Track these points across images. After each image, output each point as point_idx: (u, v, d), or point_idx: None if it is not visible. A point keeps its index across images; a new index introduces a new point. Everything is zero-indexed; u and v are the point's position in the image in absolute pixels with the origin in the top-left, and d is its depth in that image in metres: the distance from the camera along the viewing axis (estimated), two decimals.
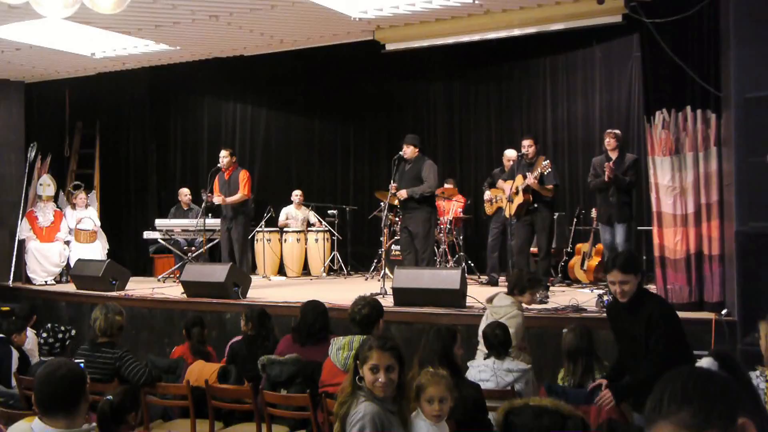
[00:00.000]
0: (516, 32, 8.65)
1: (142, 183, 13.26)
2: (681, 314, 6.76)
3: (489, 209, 10.38)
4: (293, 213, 12.47)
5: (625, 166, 8.46)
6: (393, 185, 9.14)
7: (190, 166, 13.68)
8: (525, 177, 8.50)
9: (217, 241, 10.91)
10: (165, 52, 9.99)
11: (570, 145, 11.94)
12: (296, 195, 12.47)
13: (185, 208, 12.18)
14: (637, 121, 10.62)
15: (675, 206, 7.16)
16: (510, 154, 9.87)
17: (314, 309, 5.62)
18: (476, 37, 8.87)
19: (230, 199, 10.20)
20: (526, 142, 8.77)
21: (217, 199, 10.21)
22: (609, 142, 8.62)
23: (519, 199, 8.56)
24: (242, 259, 10.24)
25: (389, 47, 9.24)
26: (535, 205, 8.56)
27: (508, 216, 8.67)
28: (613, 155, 8.56)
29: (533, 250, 9.09)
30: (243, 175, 10.36)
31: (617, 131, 8.81)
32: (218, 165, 10.45)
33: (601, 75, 11.58)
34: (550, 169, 8.40)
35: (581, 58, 11.85)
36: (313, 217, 12.46)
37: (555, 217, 10.00)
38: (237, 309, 7.85)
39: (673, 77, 7.11)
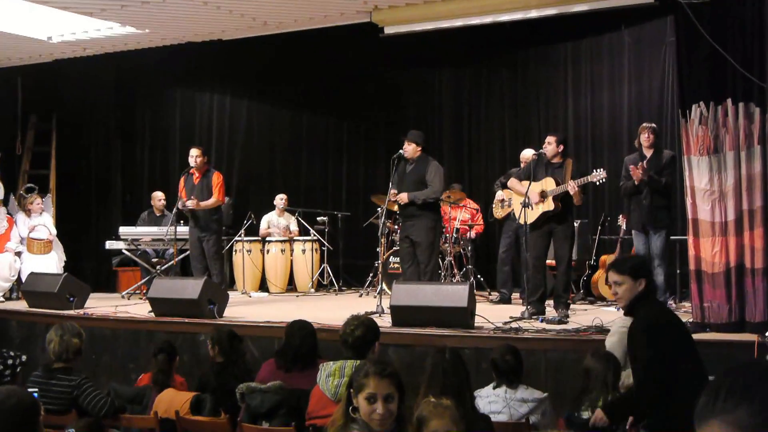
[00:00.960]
0: (533, 14, 8.68)
1: (104, 186, 13.26)
2: (719, 336, 6.86)
3: (498, 212, 10.34)
4: (276, 220, 12.48)
5: (662, 164, 8.45)
6: (393, 190, 9.14)
7: (160, 166, 13.70)
8: (558, 181, 8.38)
9: (189, 252, 10.91)
10: (132, 36, 10.01)
11: (594, 142, 11.96)
12: (280, 200, 12.48)
13: (158, 215, 12.18)
14: (671, 116, 10.64)
15: (713, 213, 7.16)
16: (528, 154, 9.77)
17: (300, 330, 5.63)
18: (488, 20, 8.90)
19: (203, 204, 10.21)
20: (548, 139, 8.63)
21: (191, 203, 10.21)
22: (648, 138, 8.61)
23: (547, 206, 8.41)
24: (218, 272, 10.26)
25: (388, 31, 9.27)
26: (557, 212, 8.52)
27: (523, 223, 8.53)
28: (648, 153, 8.55)
29: (550, 262, 9.05)
30: (216, 178, 10.39)
31: (654, 125, 8.81)
32: (191, 165, 10.43)
33: (630, 63, 11.60)
34: (595, 180, 8.26)
35: (608, 44, 11.88)
36: (299, 224, 12.47)
37: (577, 225, 10.03)
38: (212, 330, 7.84)
39: (712, 66, 7.12)
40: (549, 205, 8.38)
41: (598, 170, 8.25)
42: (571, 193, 8.22)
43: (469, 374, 4.58)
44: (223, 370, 5.87)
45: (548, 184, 8.43)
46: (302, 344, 5.54)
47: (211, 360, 6.08)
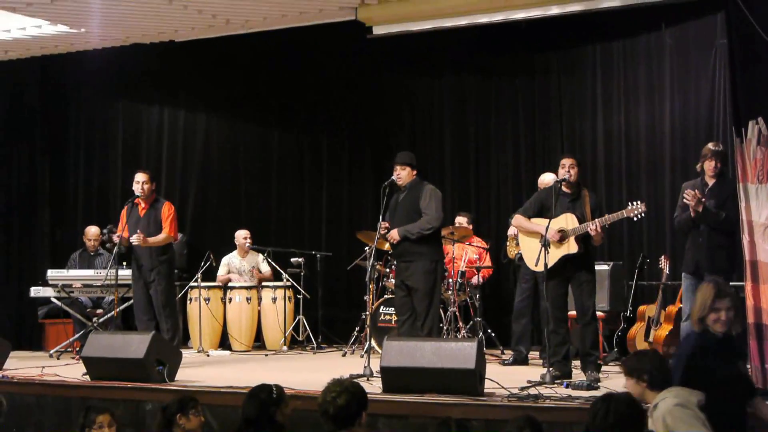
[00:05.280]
0: (554, 10, 8.76)
1: (28, 218, 13.23)
2: None
3: (513, 251, 10.36)
4: (238, 263, 12.48)
5: (725, 196, 8.35)
6: (383, 223, 9.15)
7: (97, 194, 13.65)
8: (579, 217, 8.41)
9: (132, 301, 10.86)
10: (64, 36, 10.06)
11: (629, 166, 11.98)
12: (242, 238, 12.47)
13: (92, 253, 12.15)
14: (723, 135, 10.68)
15: None
16: (547, 179, 9.84)
17: (256, 398, 5.63)
18: (499, 17, 8.97)
19: (152, 240, 10.18)
20: (568, 162, 8.68)
21: (135, 238, 10.13)
22: (715, 167, 8.39)
23: (568, 249, 8.40)
24: (170, 326, 10.20)
25: (377, 31, 9.34)
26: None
27: (541, 269, 8.47)
28: (711, 181, 8.47)
29: (571, 314, 9.04)
30: (167, 210, 10.36)
31: (721, 148, 8.59)
32: (136, 194, 10.40)
33: (672, 70, 11.65)
34: (632, 215, 8.29)
35: (645, 47, 11.95)
36: (267, 265, 12.45)
37: (608, 268, 10.06)
38: (161, 397, 7.81)
39: None
40: (572, 247, 8.39)
41: (635, 203, 8.25)
42: (592, 234, 8.25)
43: None
44: None
45: (569, 221, 8.44)
46: (261, 415, 5.54)
47: None
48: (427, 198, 9.09)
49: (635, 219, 8.30)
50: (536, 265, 8.47)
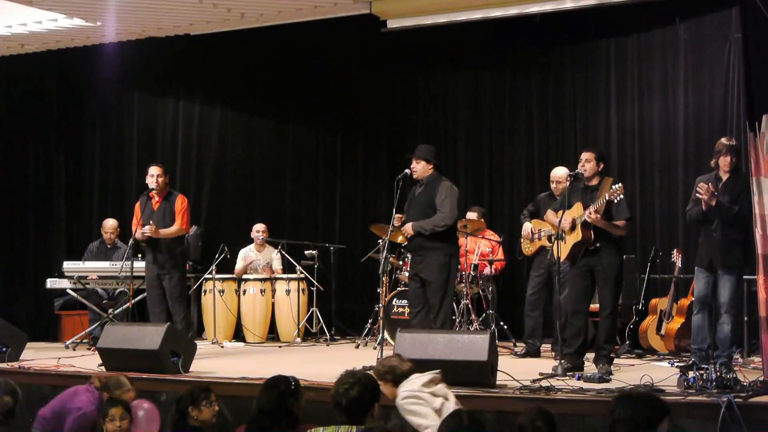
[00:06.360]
0: (569, 4, 8.74)
1: (45, 212, 13.26)
2: None
3: (527, 248, 10.35)
4: (254, 256, 12.50)
5: (738, 190, 8.28)
6: (397, 216, 9.14)
7: (112, 188, 13.70)
8: (586, 206, 8.42)
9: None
10: (80, 29, 10.07)
11: (642, 160, 11.96)
12: (258, 231, 12.51)
13: (109, 246, 12.17)
14: (737, 129, 10.65)
15: None
16: (559, 173, 9.83)
17: (275, 389, 5.63)
18: (512, 11, 8.95)
19: (164, 232, 10.18)
20: (585, 155, 8.69)
21: (148, 229, 10.12)
22: (730, 162, 8.36)
23: (575, 237, 8.45)
24: (182, 318, 10.22)
25: (391, 25, 9.32)
26: (597, 245, 8.50)
27: (557, 258, 8.53)
28: (725, 175, 8.39)
29: (593, 307, 9.04)
30: (180, 203, 10.36)
31: (734, 143, 8.57)
32: (150, 187, 10.41)
33: (686, 64, 11.62)
34: (621, 196, 8.27)
35: (659, 41, 11.91)
36: (283, 260, 12.46)
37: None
38: (176, 388, 7.82)
39: None
40: (576, 235, 8.41)
41: (615, 185, 8.27)
42: (589, 221, 8.24)
43: None
44: None
45: (577, 210, 8.49)
46: (279, 406, 5.54)
47: (170, 427, 6.08)
48: (443, 195, 9.07)
49: (615, 200, 8.22)
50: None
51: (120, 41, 10.60)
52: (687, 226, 10.12)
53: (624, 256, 9.18)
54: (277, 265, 12.48)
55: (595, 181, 8.60)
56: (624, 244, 8.99)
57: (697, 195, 8.29)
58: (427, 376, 6.04)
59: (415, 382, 5.96)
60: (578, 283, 8.61)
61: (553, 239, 8.67)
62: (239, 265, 12.42)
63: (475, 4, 8.86)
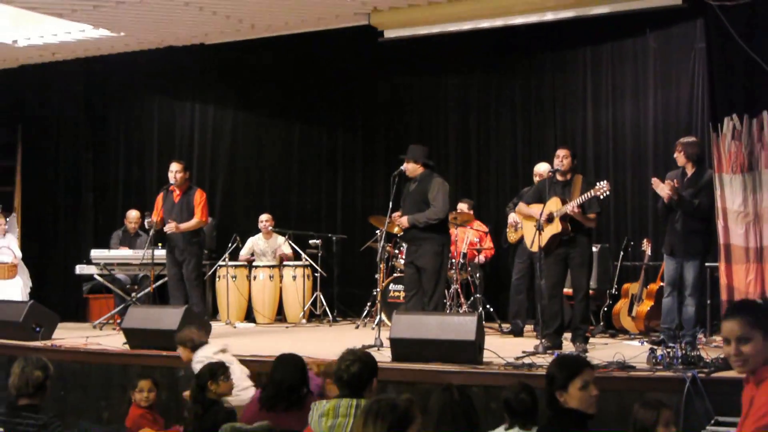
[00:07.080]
0: (549, 16, 8.75)
1: (74, 204, 13.28)
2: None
3: (512, 236, 10.38)
4: (261, 244, 12.51)
5: (699, 186, 8.32)
6: (397, 213, 9.16)
7: (135, 182, 13.73)
8: (564, 200, 8.44)
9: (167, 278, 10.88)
10: (105, 39, 10.06)
11: (616, 157, 11.94)
12: (264, 221, 12.52)
13: (132, 234, 12.19)
14: (701, 130, 10.65)
15: (747, 237, 7.18)
16: (542, 169, 9.86)
17: (287, 364, 5.64)
18: (499, 23, 8.94)
19: (184, 226, 10.20)
20: (561, 152, 8.68)
21: (169, 228, 10.15)
22: (678, 155, 8.47)
23: (554, 229, 8.45)
24: (198, 300, 10.24)
25: (388, 35, 9.33)
26: (573, 235, 8.52)
27: (536, 249, 8.56)
28: (690, 171, 8.41)
29: (567, 291, 9.07)
30: (199, 197, 10.37)
31: (692, 139, 8.64)
32: (171, 182, 10.41)
33: (655, 71, 11.60)
34: (608, 192, 8.22)
35: (631, 49, 11.89)
36: (289, 247, 12.48)
37: (596, 249, 10.04)
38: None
39: (746, 74, 7.16)
40: (556, 227, 8.42)
41: (601, 183, 8.25)
42: (571, 214, 8.25)
43: (479, 416, 4.58)
44: (205, 411, 5.88)
45: (554, 204, 8.48)
46: (288, 380, 5.56)
47: (191, 398, 6.09)
48: (435, 190, 9.07)
49: (601, 197, 8.24)
50: (531, 246, 8.62)
51: (141, 50, 10.59)
52: (656, 217, 10.15)
53: (596, 246, 9.22)
54: (287, 249, 12.49)
55: (568, 176, 8.61)
56: (593, 235, 9.02)
57: (656, 190, 8.36)
58: (218, 346, 7.25)
59: (208, 349, 7.08)
60: (553, 270, 8.61)
61: (535, 228, 8.66)
62: (244, 251, 12.48)
63: (465, 16, 8.86)
